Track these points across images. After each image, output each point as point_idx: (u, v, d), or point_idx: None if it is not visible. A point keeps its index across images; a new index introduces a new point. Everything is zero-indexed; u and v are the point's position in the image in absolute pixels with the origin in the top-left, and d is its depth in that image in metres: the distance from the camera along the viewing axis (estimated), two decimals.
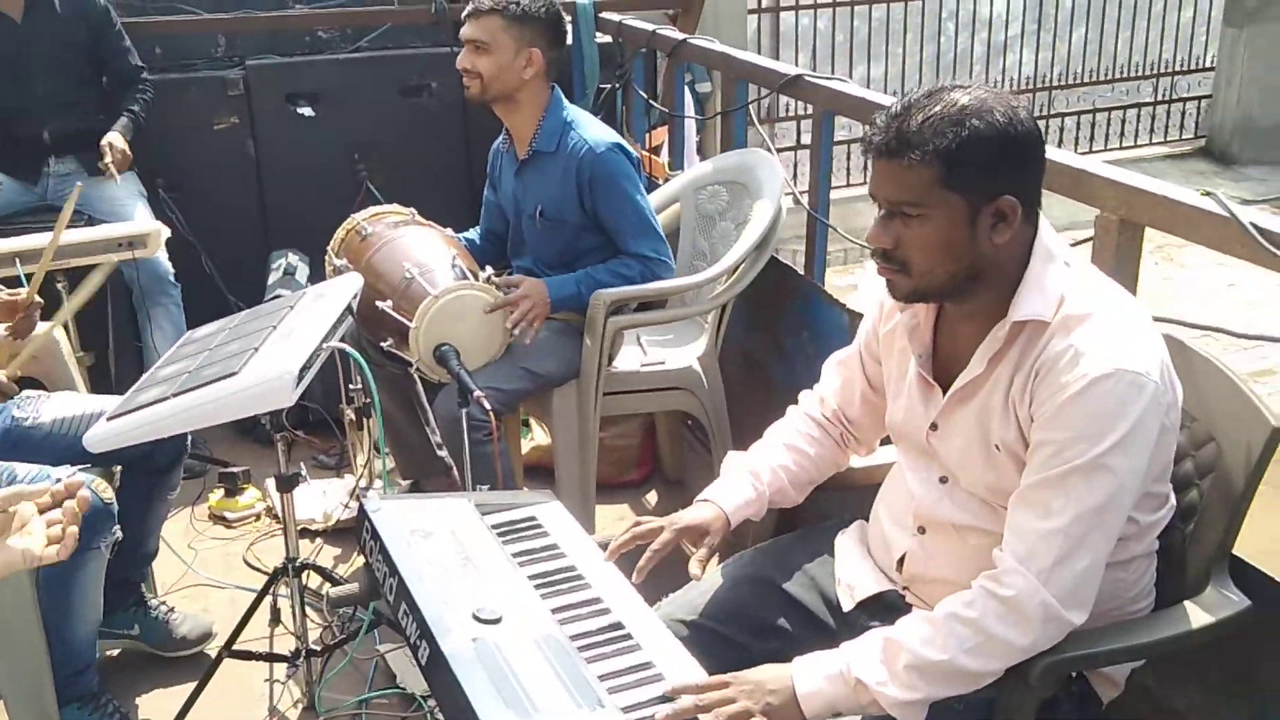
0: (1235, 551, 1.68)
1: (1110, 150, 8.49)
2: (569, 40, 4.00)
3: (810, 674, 1.52)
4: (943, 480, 1.70)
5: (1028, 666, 1.49)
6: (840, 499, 2.02)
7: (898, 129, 1.49)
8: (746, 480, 1.86)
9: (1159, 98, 8.94)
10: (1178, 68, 9.01)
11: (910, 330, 1.69)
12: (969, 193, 1.48)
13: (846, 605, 1.79)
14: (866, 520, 1.90)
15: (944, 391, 1.65)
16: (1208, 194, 1.86)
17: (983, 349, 1.57)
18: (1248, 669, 1.79)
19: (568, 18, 4.03)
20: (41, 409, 2.49)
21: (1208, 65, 9.04)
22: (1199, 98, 9.00)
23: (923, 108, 1.49)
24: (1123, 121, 8.75)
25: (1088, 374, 1.45)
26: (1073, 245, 1.92)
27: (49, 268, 2.93)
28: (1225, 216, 1.77)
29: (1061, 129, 8.58)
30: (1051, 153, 2.09)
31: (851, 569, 1.82)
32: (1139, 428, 1.46)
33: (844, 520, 1.95)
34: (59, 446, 2.40)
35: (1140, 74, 8.96)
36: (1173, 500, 1.67)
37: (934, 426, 1.67)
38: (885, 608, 1.74)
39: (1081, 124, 8.69)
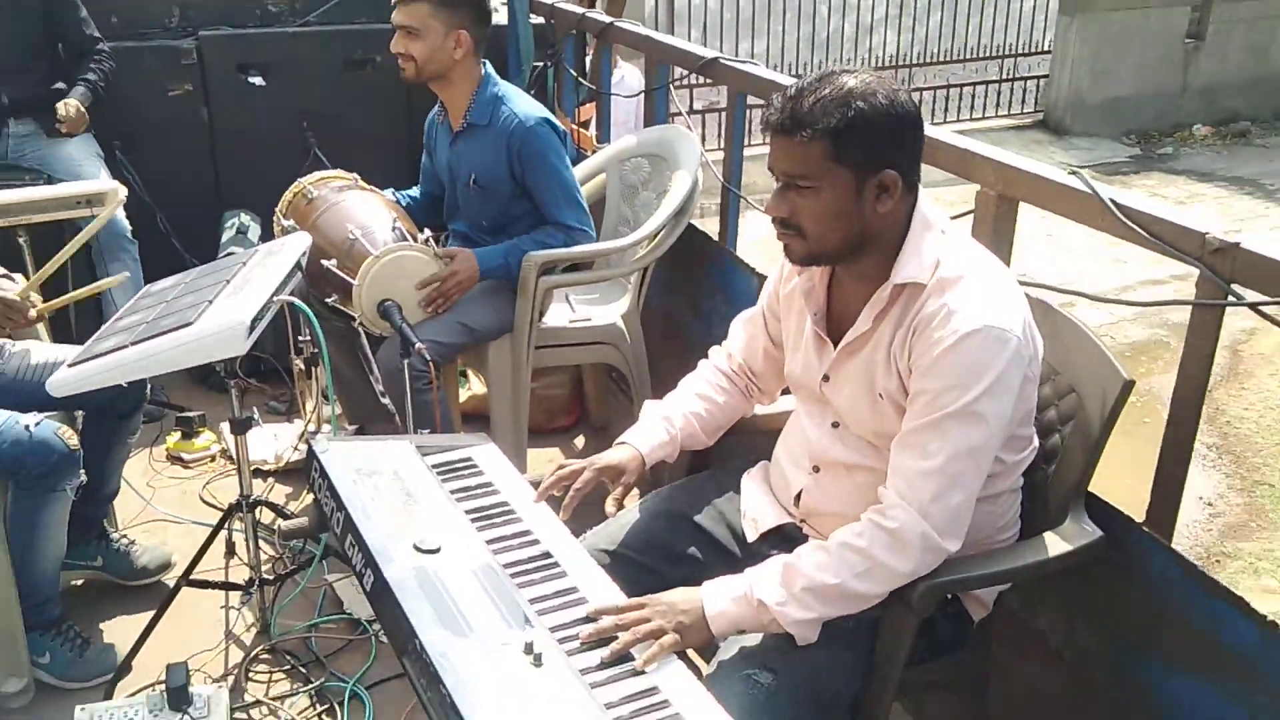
0: (1091, 489, 1.75)
1: (961, 121, 9.07)
2: (505, 21, 3.97)
3: (717, 596, 1.55)
4: (834, 425, 1.74)
5: (909, 590, 1.55)
6: (746, 442, 2.06)
7: (791, 109, 1.52)
8: (661, 425, 1.89)
9: (1003, 76, 9.46)
10: (1020, 51, 9.54)
11: (806, 292, 1.73)
12: (855, 167, 1.52)
13: (750, 536, 1.84)
14: (769, 462, 1.94)
15: (835, 346, 1.69)
16: (1074, 173, 1.91)
17: (868, 308, 1.62)
18: (1099, 592, 1.86)
19: (503, 1, 4.00)
20: (4, 358, 2.43)
21: (1045, 49, 9.53)
22: (1037, 77, 9.52)
23: (814, 90, 1.52)
24: (973, 96, 9.32)
25: (958, 330, 1.50)
26: (955, 217, 1.97)
27: (10, 224, 2.87)
28: (1089, 193, 1.82)
29: (920, 102, 8.81)
30: (938, 133, 2.14)
31: (755, 504, 1.86)
32: (1004, 378, 1.51)
33: (749, 461, 1.98)
34: (23, 392, 2.35)
35: (988, 55, 9.51)
36: (1035, 442, 1.73)
37: (826, 378, 1.71)
38: (785, 538, 1.78)
39: (937, 98, 9.19)
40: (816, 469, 1.76)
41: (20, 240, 2.91)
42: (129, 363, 1.99)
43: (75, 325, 3.40)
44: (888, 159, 1.53)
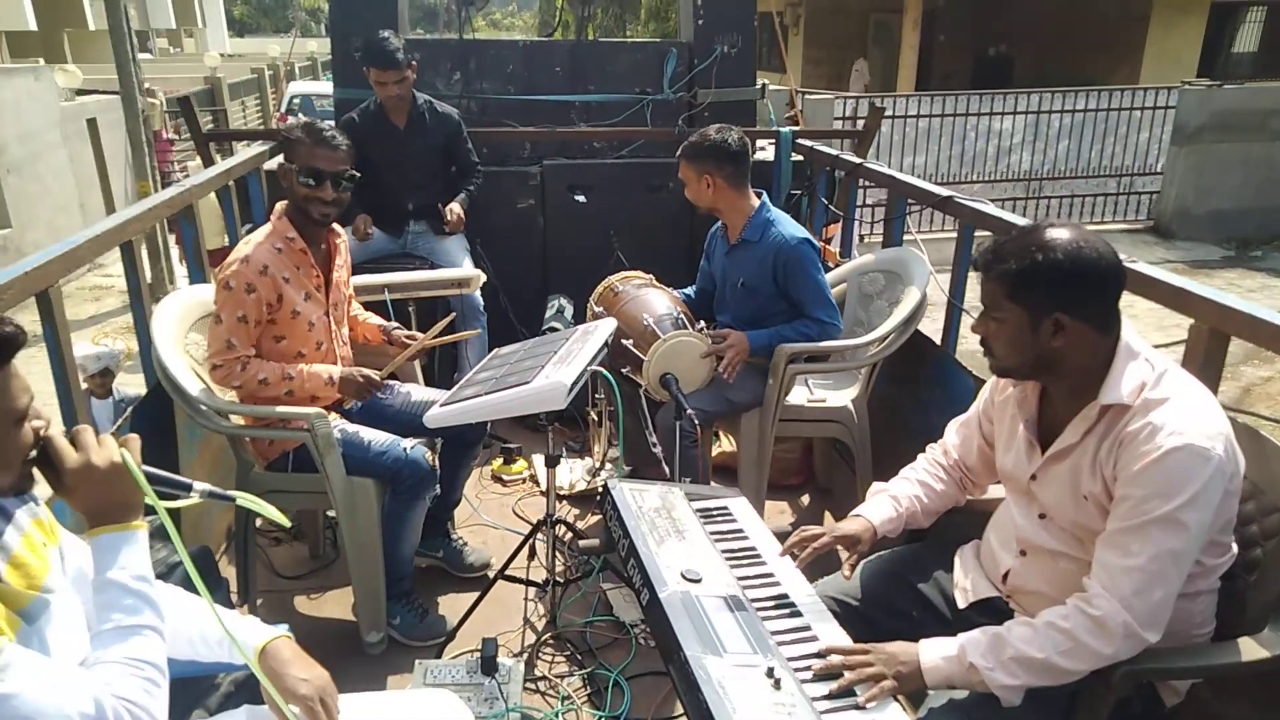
0: None
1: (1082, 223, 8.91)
2: (771, 158, 4.03)
3: (933, 653, 1.48)
4: (1041, 516, 1.63)
5: (1110, 671, 1.42)
6: (958, 521, 1.95)
7: (990, 250, 1.52)
8: (890, 504, 1.83)
9: (1120, 190, 9.98)
10: (1135, 171, 9.99)
11: (1019, 401, 1.66)
12: (1028, 307, 1.47)
13: (961, 603, 1.74)
14: (979, 540, 1.83)
15: (1043, 450, 1.59)
16: None
17: (1076, 423, 1.52)
18: None
19: (770, 141, 4.07)
20: (394, 395, 2.64)
21: (1158, 170, 9.92)
22: (1150, 192, 9.98)
23: (1013, 239, 1.51)
24: (1093, 205, 9.81)
25: (1162, 446, 1.38)
26: (1166, 345, 1.80)
27: (405, 296, 3.16)
28: None
29: (1048, 208, 9.62)
30: (1153, 271, 1.98)
31: (967, 576, 1.76)
32: (1206, 491, 1.38)
33: (962, 538, 1.88)
34: (403, 421, 2.54)
35: (1107, 174, 9.98)
36: (1234, 550, 1.54)
37: (1034, 477, 1.61)
38: (992, 610, 1.68)
39: (1062, 204, 9.68)
40: (1023, 552, 1.65)
41: (409, 309, 3.22)
42: (483, 407, 2.13)
43: (438, 371, 3.68)
44: (1061, 304, 1.45)
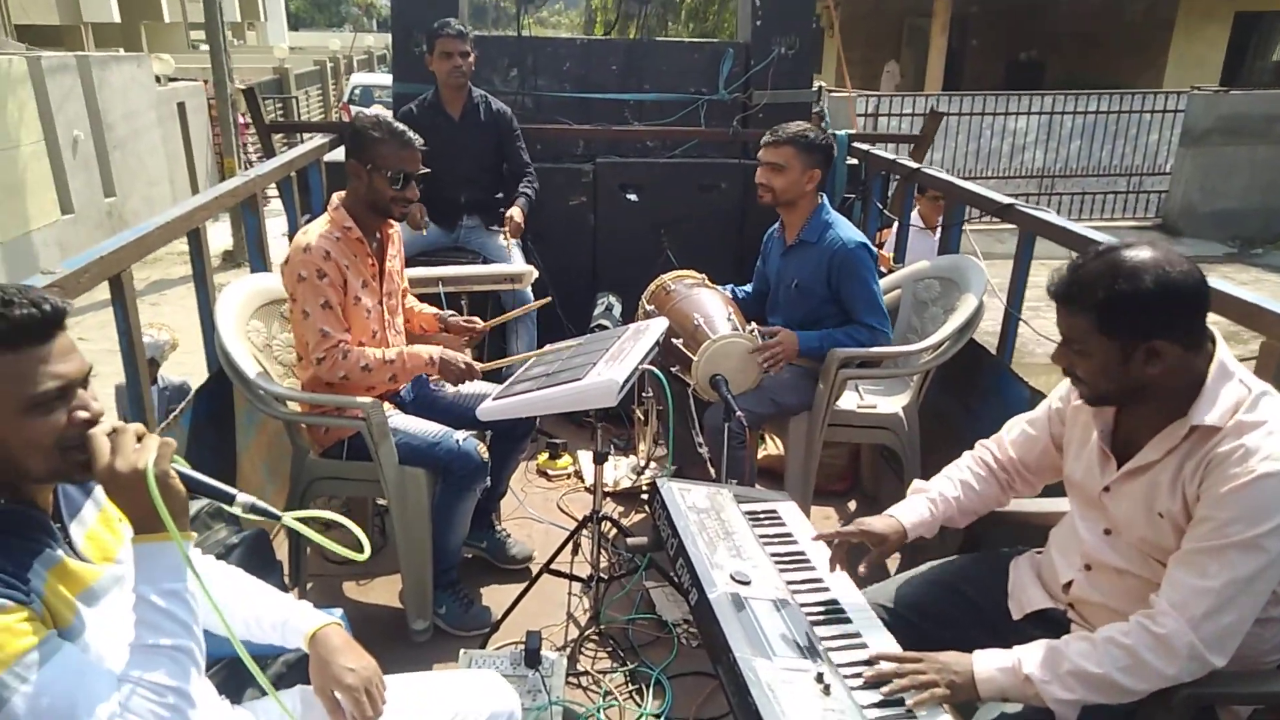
0: None
1: (1093, 221, 9.73)
2: None
3: (987, 663, 1.46)
4: (1106, 532, 1.59)
5: (1172, 693, 1.38)
6: (1014, 532, 1.92)
7: (1068, 281, 1.44)
8: (925, 505, 1.80)
9: (1129, 189, 10.39)
10: (1144, 171, 10.39)
11: (1095, 411, 1.60)
12: (1119, 338, 1.40)
13: (1015, 615, 1.71)
14: (1034, 550, 1.80)
15: (1118, 464, 1.55)
16: None
17: (1160, 440, 1.47)
18: None
19: None
20: (447, 387, 2.67)
21: (1166, 171, 10.30)
22: (1159, 192, 10.35)
23: (1089, 265, 1.43)
24: (1104, 203, 10.24)
25: (1254, 470, 1.34)
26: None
27: (458, 289, 3.18)
28: None
29: (1060, 205, 9.78)
30: (1226, 286, 1.92)
31: (1023, 587, 1.73)
32: None
33: (1017, 549, 1.85)
34: (455, 413, 2.58)
35: (1118, 173, 10.38)
36: None
37: (1106, 489, 1.57)
38: (1048, 621, 1.65)
39: (1074, 201, 10.09)
40: (1088, 567, 1.62)
41: (461, 302, 3.25)
42: (535, 402, 2.15)
43: (487, 357, 3.67)
44: (1154, 331, 1.39)
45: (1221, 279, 1.82)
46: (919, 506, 1.80)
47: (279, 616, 1.48)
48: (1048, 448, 1.77)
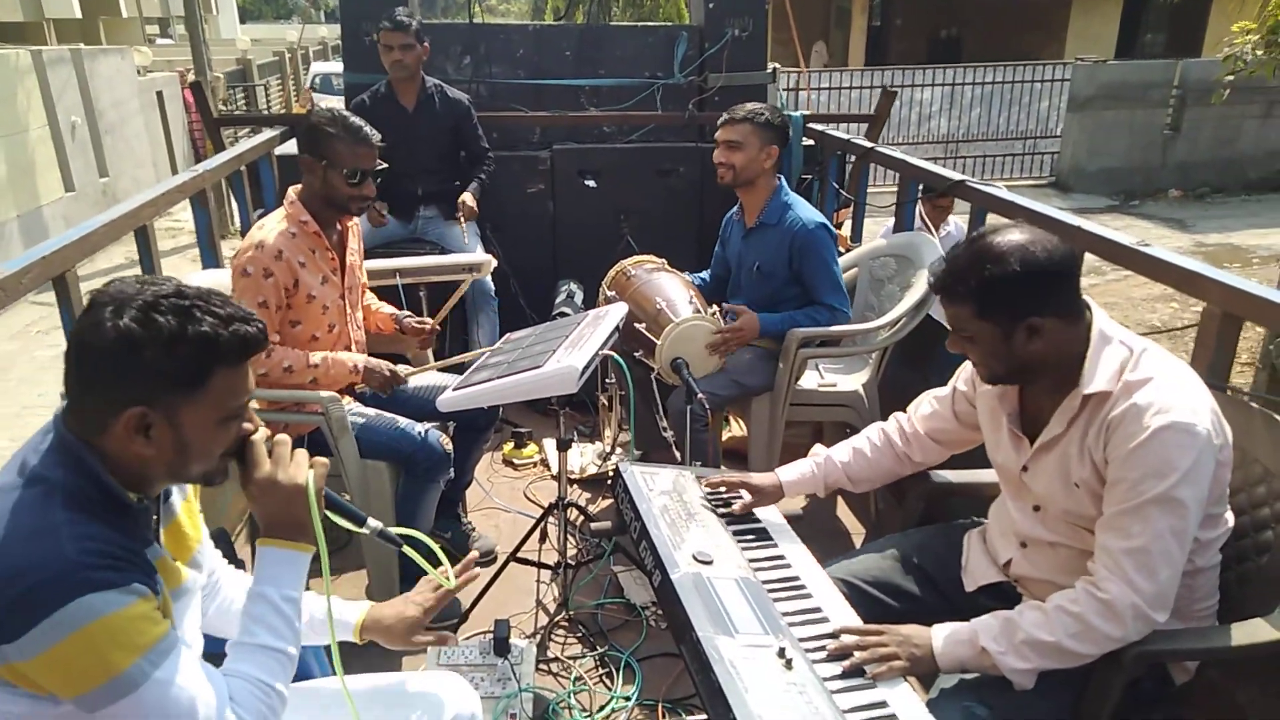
0: None
1: (993, 180, 10.77)
2: None
3: (946, 636, 1.49)
4: (1035, 509, 1.64)
5: (1121, 652, 1.43)
6: (967, 505, 1.96)
7: (945, 272, 1.50)
8: (809, 465, 1.92)
9: (1025, 151, 11.76)
10: (1038, 134, 11.74)
11: (1000, 395, 1.67)
12: (998, 320, 1.46)
13: (969, 587, 1.75)
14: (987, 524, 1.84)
15: (1031, 442, 1.60)
16: None
17: (1061, 413, 1.53)
18: None
19: None
20: (409, 380, 2.64)
21: (1057, 134, 11.65)
22: (1051, 153, 11.74)
23: (961, 255, 1.49)
24: (1002, 164, 11.67)
25: (1149, 426, 1.39)
26: (1180, 329, 1.80)
27: (416, 281, 3.16)
28: None
29: (963, 167, 10.47)
30: (1164, 254, 1.97)
31: (975, 561, 1.77)
32: (1197, 466, 1.39)
33: (972, 522, 1.89)
34: (417, 406, 2.56)
35: (1014, 136, 11.68)
36: (1229, 522, 1.55)
37: (1024, 469, 1.62)
38: (1000, 593, 1.69)
39: (976, 164, 11.37)
40: (1024, 544, 1.67)
41: (420, 293, 3.23)
42: (495, 391, 2.13)
43: (449, 346, 3.66)
44: (1029, 309, 1.45)
45: (1100, 225, 1.89)
46: (802, 466, 1.92)
47: (310, 615, 1.49)
48: (950, 422, 1.84)
